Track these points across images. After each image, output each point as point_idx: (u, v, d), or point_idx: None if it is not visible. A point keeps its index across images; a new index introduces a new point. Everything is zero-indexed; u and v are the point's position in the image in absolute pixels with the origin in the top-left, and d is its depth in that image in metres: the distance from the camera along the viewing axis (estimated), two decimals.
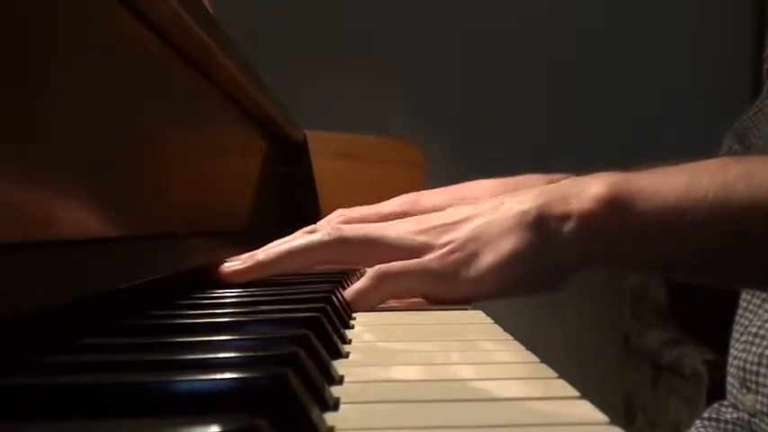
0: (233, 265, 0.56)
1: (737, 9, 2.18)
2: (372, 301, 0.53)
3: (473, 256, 0.52)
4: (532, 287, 0.53)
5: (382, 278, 0.52)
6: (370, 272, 0.52)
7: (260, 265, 0.55)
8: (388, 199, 0.71)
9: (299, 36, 2.08)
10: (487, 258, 0.51)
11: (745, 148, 0.93)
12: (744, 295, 0.82)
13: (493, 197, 0.56)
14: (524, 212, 0.51)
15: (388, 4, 2.16)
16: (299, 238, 0.56)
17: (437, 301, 0.53)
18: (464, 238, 0.52)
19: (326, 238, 0.54)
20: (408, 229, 0.55)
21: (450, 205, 0.58)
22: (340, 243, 0.54)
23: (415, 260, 0.52)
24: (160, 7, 0.48)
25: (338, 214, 0.68)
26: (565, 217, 0.51)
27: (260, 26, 1.98)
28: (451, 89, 2.16)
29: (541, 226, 0.51)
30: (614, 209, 0.50)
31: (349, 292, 0.52)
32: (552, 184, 0.53)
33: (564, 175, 0.60)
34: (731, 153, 0.94)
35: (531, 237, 0.51)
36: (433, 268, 0.52)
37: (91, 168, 0.40)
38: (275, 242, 0.58)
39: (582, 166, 0.54)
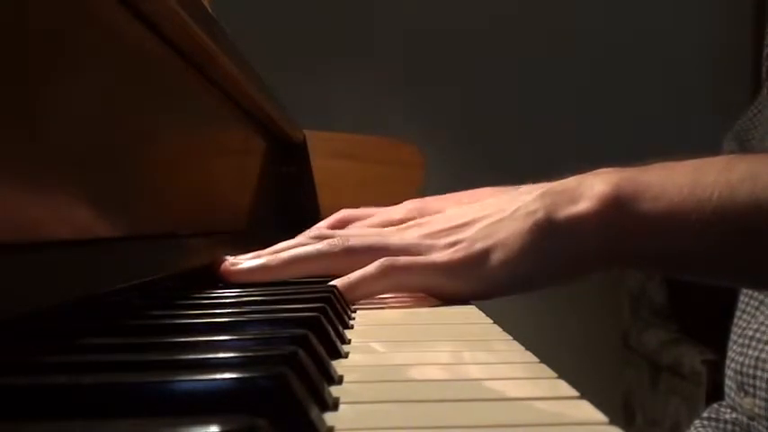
0: (237, 263, 0.56)
1: (737, 8, 2.18)
2: (372, 291, 0.53)
3: (482, 254, 0.52)
4: (541, 285, 0.54)
5: (388, 270, 0.52)
6: (377, 262, 0.52)
7: (265, 269, 0.55)
8: (387, 199, 0.71)
9: (299, 36, 2.08)
10: (497, 257, 0.52)
11: (744, 150, 0.93)
12: (741, 297, 0.82)
13: (496, 200, 0.56)
14: (532, 213, 0.52)
15: (388, 4, 2.16)
16: (305, 245, 0.56)
17: (443, 298, 0.54)
18: (472, 238, 0.53)
19: (333, 248, 0.54)
20: (414, 234, 0.55)
21: None
22: (346, 253, 0.54)
23: (423, 257, 0.53)
24: (160, 7, 0.48)
25: (342, 215, 0.68)
26: (571, 217, 0.51)
27: (260, 26, 1.98)
28: (451, 89, 2.16)
29: (549, 226, 0.51)
30: (619, 208, 0.50)
31: (352, 276, 0.52)
32: (557, 183, 0.54)
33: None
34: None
35: (539, 237, 0.51)
36: (439, 264, 0.52)
37: (91, 168, 0.40)
38: (282, 244, 0.59)
39: (582, 166, 0.54)
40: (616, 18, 2.19)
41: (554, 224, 0.51)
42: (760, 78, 0.96)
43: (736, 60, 2.14)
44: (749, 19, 2.15)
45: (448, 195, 0.67)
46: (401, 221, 0.62)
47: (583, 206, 0.51)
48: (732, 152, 0.95)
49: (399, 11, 2.15)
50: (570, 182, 0.53)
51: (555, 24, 2.17)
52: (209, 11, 0.62)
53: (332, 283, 0.53)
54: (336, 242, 0.55)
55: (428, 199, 0.67)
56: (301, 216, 1.02)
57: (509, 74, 2.17)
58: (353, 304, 0.52)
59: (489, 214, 0.54)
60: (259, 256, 0.57)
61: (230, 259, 0.57)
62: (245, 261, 0.56)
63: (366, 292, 0.53)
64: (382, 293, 0.54)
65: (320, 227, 0.66)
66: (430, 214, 0.60)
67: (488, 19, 2.16)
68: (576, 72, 2.18)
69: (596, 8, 2.19)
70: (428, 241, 0.54)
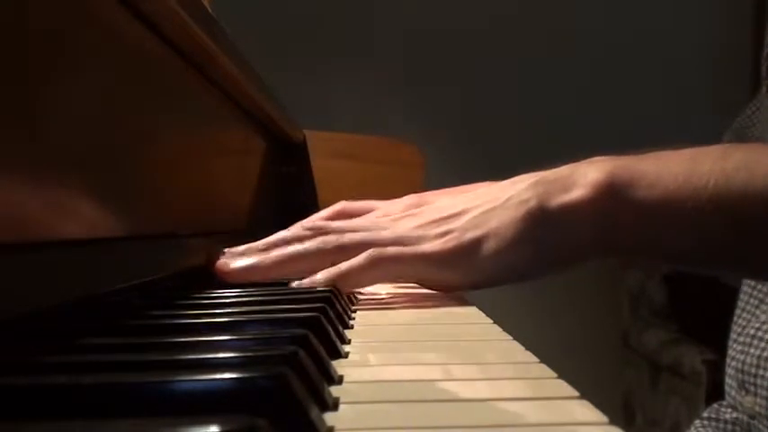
0: (231, 261, 0.56)
1: (737, 8, 2.18)
2: (361, 281, 0.53)
3: (473, 243, 0.52)
4: (534, 275, 0.53)
5: (376, 260, 0.52)
6: (365, 253, 0.52)
7: (258, 269, 0.55)
8: (387, 199, 0.71)
9: (299, 36, 2.08)
10: (488, 246, 0.51)
11: None
12: (741, 295, 0.82)
13: (488, 189, 0.56)
14: (524, 201, 0.51)
15: (388, 3, 2.16)
16: (296, 245, 0.55)
17: (436, 289, 0.54)
18: (463, 227, 0.52)
19: (325, 245, 0.54)
20: (405, 225, 0.55)
21: None
22: (338, 249, 0.54)
23: (412, 247, 0.53)
24: (160, 7, 0.48)
25: (340, 207, 0.68)
26: (564, 205, 0.51)
27: (260, 26, 1.98)
28: (451, 89, 2.16)
29: (542, 215, 0.51)
30: (613, 195, 0.50)
31: (343, 266, 0.52)
32: (550, 171, 0.53)
33: None
34: None
35: (532, 226, 0.51)
36: (429, 254, 0.52)
37: (91, 168, 0.40)
38: (277, 235, 0.59)
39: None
40: (616, 18, 2.19)
41: (547, 212, 0.51)
42: (758, 77, 0.96)
43: (736, 60, 2.14)
44: (749, 19, 2.15)
45: (448, 189, 0.66)
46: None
47: (576, 194, 0.51)
48: None
49: (399, 11, 2.15)
50: (563, 170, 0.53)
51: (555, 24, 2.17)
52: (209, 11, 0.62)
53: (319, 274, 0.53)
54: (328, 239, 0.54)
55: (427, 194, 0.67)
56: (301, 216, 1.02)
57: (509, 74, 2.17)
58: (344, 294, 0.52)
59: (481, 204, 0.53)
60: (252, 249, 0.57)
61: (225, 252, 0.57)
62: (239, 260, 0.56)
63: (355, 283, 0.53)
64: (372, 284, 0.54)
65: (317, 218, 0.66)
66: None
67: (488, 19, 2.15)
68: (576, 72, 2.18)
69: (596, 8, 2.19)
70: (419, 232, 0.54)
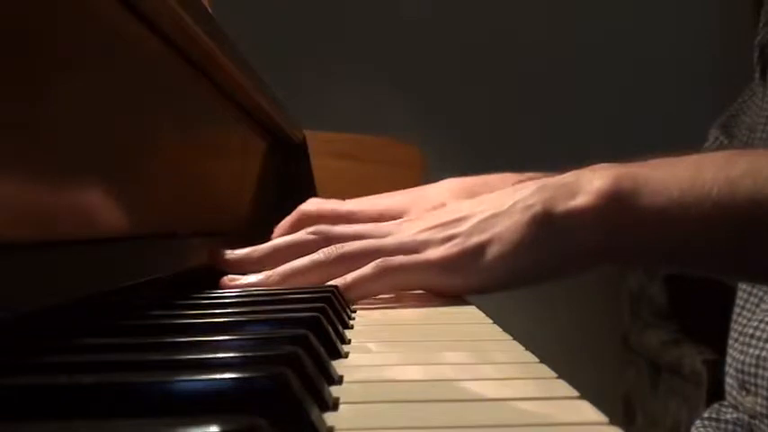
0: (236, 278, 0.56)
1: (738, 8, 2.18)
2: (369, 292, 0.53)
3: (478, 248, 0.52)
4: (539, 280, 0.53)
5: (383, 270, 0.52)
6: (372, 263, 0.52)
7: (265, 285, 0.55)
8: None
9: (299, 36, 2.08)
10: (493, 250, 0.51)
11: (729, 138, 0.93)
12: (740, 294, 0.81)
13: (492, 195, 0.56)
14: (529, 207, 0.51)
15: (387, 4, 2.16)
16: (300, 260, 0.55)
17: (442, 294, 0.54)
18: (467, 232, 0.52)
19: (328, 257, 0.54)
20: (408, 231, 0.55)
21: (397, 209, 0.62)
22: (341, 260, 0.54)
23: (417, 254, 0.53)
24: (159, 7, 0.48)
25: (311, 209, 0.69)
26: (569, 211, 0.51)
27: (260, 26, 1.98)
28: (451, 89, 2.16)
29: (547, 221, 0.51)
30: (618, 203, 0.50)
31: (348, 277, 0.52)
32: (556, 177, 0.53)
33: (538, 174, 0.60)
34: (716, 144, 0.95)
35: (537, 231, 0.51)
36: (434, 261, 0.52)
37: (91, 168, 0.40)
38: (280, 240, 0.59)
39: (582, 166, 0.54)
40: (616, 18, 2.19)
41: (552, 218, 0.51)
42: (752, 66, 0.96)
43: (736, 61, 2.14)
44: (750, 19, 2.15)
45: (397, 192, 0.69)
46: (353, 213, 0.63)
47: (581, 201, 0.51)
48: (717, 141, 0.95)
49: (399, 11, 2.15)
50: (568, 176, 0.53)
51: (553, 24, 2.17)
52: (209, 11, 0.62)
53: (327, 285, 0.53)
54: (330, 251, 0.55)
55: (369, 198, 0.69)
56: None
57: (509, 74, 2.16)
58: (351, 305, 0.52)
59: (485, 209, 0.53)
60: (255, 252, 0.57)
61: (228, 255, 0.57)
62: (243, 278, 0.56)
63: (362, 294, 0.53)
64: (380, 294, 0.54)
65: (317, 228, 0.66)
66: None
67: (488, 19, 2.16)
68: (576, 73, 2.18)
69: (596, 8, 2.19)
70: (423, 237, 0.54)
